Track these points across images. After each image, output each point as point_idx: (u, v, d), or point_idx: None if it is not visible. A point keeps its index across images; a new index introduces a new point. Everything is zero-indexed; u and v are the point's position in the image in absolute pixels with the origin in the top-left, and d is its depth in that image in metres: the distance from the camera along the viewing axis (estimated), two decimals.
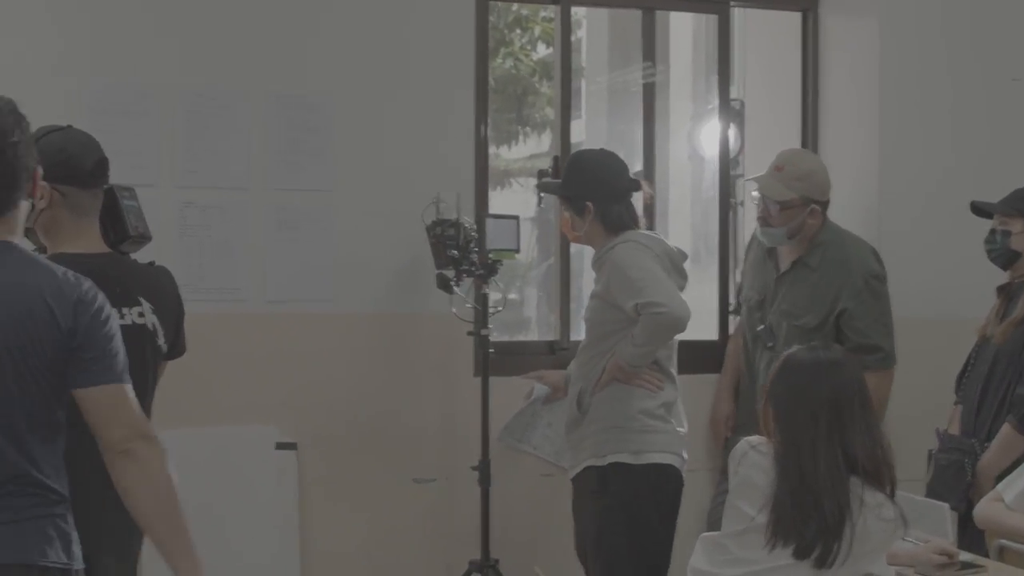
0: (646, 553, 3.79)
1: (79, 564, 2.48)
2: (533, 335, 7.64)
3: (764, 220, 4.32)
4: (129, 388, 2.48)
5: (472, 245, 4.20)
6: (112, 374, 2.46)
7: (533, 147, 10.97)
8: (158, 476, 2.45)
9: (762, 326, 4.36)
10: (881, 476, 3.08)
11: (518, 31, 10.29)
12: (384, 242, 4.38)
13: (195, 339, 3.13)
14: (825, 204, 4.35)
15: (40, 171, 2.52)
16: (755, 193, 4.39)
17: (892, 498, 3.07)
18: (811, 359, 3.19)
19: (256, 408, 4.22)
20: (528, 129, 11.02)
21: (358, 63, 4.38)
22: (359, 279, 4.36)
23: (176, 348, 3.05)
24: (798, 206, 4.24)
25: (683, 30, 6.84)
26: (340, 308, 4.34)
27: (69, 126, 2.95)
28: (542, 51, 10.82)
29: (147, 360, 2.92)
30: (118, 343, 2.49)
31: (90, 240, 2.90)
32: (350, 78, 4.37)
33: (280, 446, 4.22)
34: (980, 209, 4.17)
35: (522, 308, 7.41)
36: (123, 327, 2.76)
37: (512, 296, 4.36)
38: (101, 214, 2.96)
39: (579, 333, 4.41)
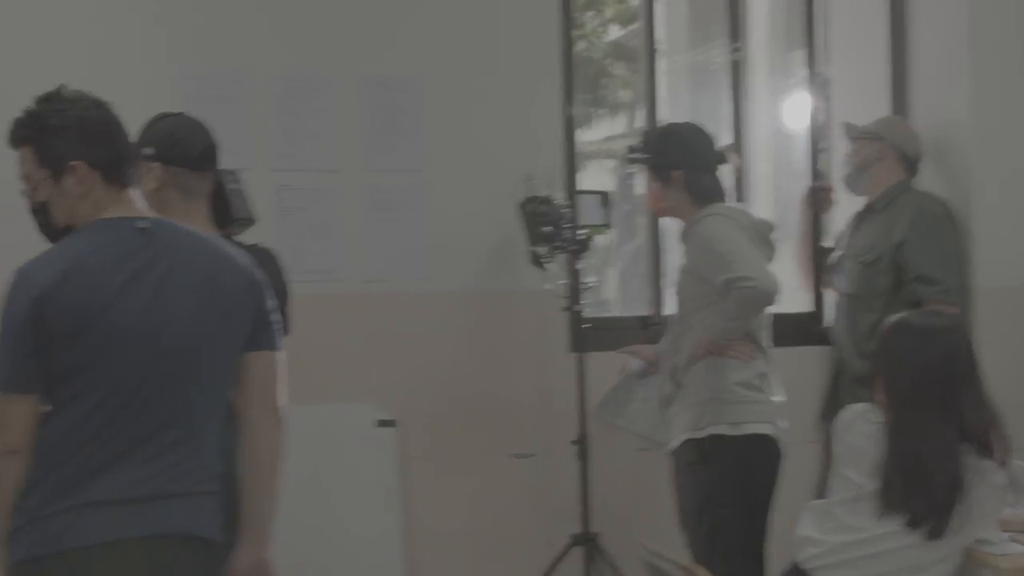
0: (748, 522, 3.79)
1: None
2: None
3: (848, 162, 4.61)
4: None
5: (564, 222, 4.21)
6: (280, 340, 2.62)
7: (607, 129, 10.96)
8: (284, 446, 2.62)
9: (837, 273, 4.57)
10: (990, 443, 3.02)
11: (590, 13, 10.26)
12: (476, 221, 4.41)
13: (295, 319, 3.17)
14: (910, 159, 4.53)
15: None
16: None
17: (1002, 464, 3.03)
18: (921, 324, 3.14)
19: (357, 386, 4.26)
20: (603, 111, 11.00)
21: (446, 44, 4.41)
22: (452, 258, 4.40)
23: None
24: (876, 140, 4.53)
25: (757, 5, 6.79)
26: (435, 287, 4.38)
27: (181, 113, 3.04)
28: (614, 33, 10.79)
29: None
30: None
31: (199, 223, 2.94)
32: (439, 59, 4.40)
33: (380, 423, 4.28)
34: None
35: (600, 289, 7.39)
36: None
37: (591, 279, 4.39)
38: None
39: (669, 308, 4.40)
